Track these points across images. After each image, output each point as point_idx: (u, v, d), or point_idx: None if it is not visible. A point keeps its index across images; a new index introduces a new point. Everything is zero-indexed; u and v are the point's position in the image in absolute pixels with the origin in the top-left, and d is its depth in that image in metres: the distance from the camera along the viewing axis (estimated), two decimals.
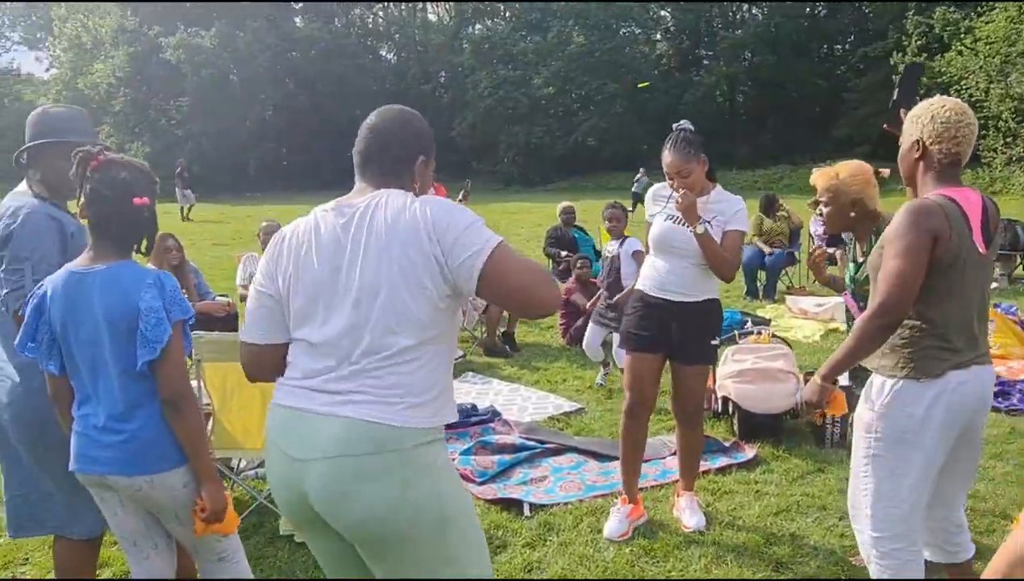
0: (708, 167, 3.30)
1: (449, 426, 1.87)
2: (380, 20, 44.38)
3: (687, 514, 3.47)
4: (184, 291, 2.61)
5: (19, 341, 2.09)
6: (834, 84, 33.07)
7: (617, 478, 3.69)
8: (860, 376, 3.39)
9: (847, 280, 3.15)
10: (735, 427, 4.57)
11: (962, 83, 21.82)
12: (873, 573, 2.38)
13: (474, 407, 4.95)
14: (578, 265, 7.03)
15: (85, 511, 2.39)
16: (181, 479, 2.08)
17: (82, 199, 2.09)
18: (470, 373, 6.07)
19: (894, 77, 23.05)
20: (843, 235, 9.41)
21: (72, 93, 36.67)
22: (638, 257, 5.20)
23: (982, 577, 1.62)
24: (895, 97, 2.80)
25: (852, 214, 2.96)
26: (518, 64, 36.04)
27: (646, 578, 3.07)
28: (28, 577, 3.18)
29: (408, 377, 1.67)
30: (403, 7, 43.37)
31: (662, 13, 39.50)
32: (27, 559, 3.30)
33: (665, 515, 3.57)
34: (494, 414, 4.90)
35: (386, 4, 43.12)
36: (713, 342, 3.42)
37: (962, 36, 22.38)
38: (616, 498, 3.57)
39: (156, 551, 2.22)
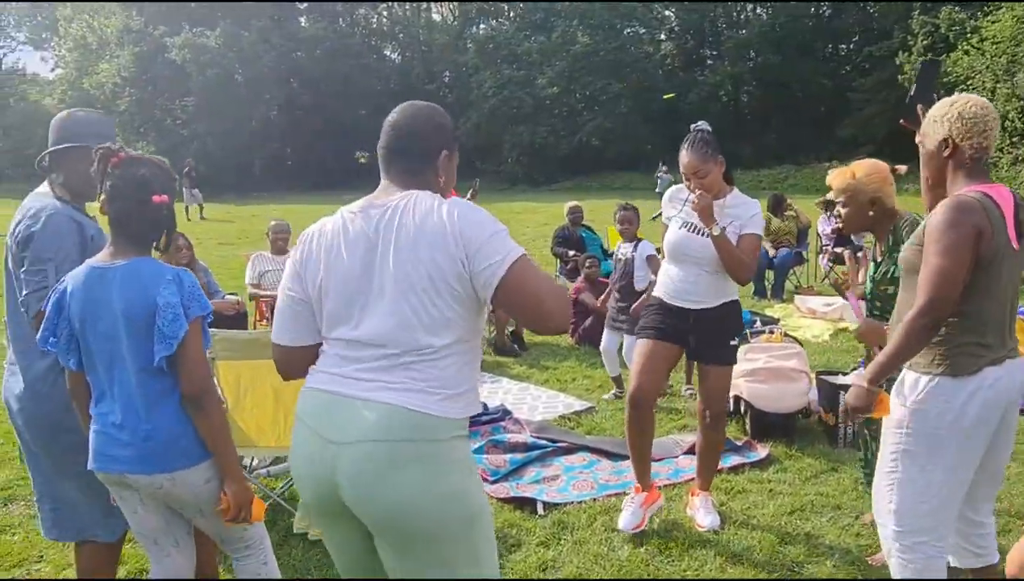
0: (725, 169, 3.29)
1: None
2: (384, 20, 44.37)
3: (701, 513, 3.46)
4: None
5: (40, 336, 2.09)
6: (839, 84, 32.97)
7: (630, 477, 3.69)
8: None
9: (866, 280, 3.14)
10: (747, 426, 4.56)
11: (968, 83, 21.74)
12: (894, 571, 2.35)
13: (485, 406, 4.93)
14: (586, 264, 7.04)
15: (108, 514, 2.39)
16: (203, 475, 2.08)
17: (102, 196, 2.09)
18: (479, 372, 6.05)
19: (900, 77, 23.11)
20: (852, 236, 9.25)
21: (77, 93, 36.81)
22: (652, 262, 5.19)
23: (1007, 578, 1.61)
24: (912, 93, 2.78)
25: (871, 213, 2.94)
26: (522, 64, 35.98)
27: (661, 577, 3.07)
28: (42, 575, 3.17)
29: (444, 371, 1.70)
30: (407, 7, 43.40)
31: (666, 13, 39.38)
32: (41, 556, 3.30)
33: (679, 514, 3.56)
34: (505, 413, 4.89)
35: (390, 4, 43.10)
36: (732, 343, 3.42)
37: (968, 36, 22.30)
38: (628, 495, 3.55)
39: (177, 548, 2.22)
